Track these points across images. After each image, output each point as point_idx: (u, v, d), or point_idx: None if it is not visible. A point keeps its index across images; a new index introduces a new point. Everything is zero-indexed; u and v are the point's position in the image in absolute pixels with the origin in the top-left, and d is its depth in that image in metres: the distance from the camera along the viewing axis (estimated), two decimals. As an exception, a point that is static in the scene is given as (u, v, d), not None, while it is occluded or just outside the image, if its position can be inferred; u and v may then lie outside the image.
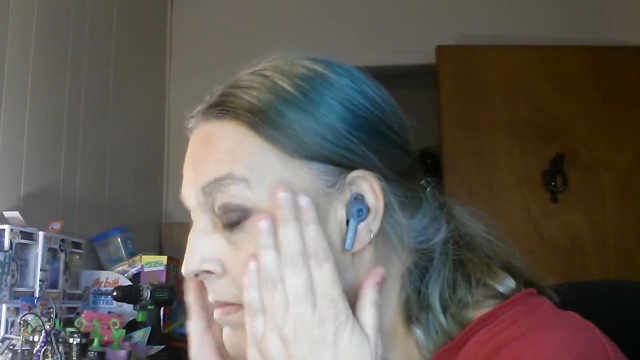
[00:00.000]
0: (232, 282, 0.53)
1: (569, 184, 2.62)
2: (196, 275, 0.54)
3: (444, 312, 0.55)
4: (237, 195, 0.52)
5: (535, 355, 0.47)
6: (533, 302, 0.55)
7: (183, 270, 0.55)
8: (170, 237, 2.77)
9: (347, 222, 0.54)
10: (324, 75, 0.56)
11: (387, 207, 0.55)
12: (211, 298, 0.55)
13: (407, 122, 0.61)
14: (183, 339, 1.91)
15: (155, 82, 2.94)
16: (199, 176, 0.54)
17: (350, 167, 0.54)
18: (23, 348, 1.37)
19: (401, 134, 0.58)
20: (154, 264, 1.97)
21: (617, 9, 2.88)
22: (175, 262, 2.06)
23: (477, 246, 0.59)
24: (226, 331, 0.56)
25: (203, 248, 0.54)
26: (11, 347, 1.38)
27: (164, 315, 1.88)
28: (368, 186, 0.54)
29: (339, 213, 0.54)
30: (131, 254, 2.16)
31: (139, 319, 1.77)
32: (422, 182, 0.62)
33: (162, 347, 1.68)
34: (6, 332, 1.46)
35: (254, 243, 0.51)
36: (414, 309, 0.56)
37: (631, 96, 2.68)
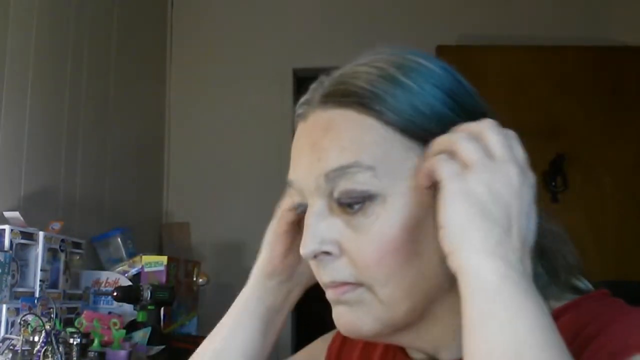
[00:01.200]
0: (349, 263, 0.56)
1: (569, 184, 2.62)
2: (315, 257, 0.57)
3: None
4: (364, 182, 0.54)
5: (624, 333, 0.49)
6: (611, 299, 0.59)
7: (301, 251, 0.57)
8: (170, 237, 2.77)
9: None
10: (426, 65, 0.61)
11: None
12: (327, 278, 0.57)
13: (490, 106, 0.66)
14: (183, 339, 1.92)
15: (155, 82, 2.94)
16: (322, 161, 0.56)
17: None
18: (23, 348, 1.37)
19: (486, 108, 0.65)
20: (154, 264, 1.97)
21: (617, 9, 2.88)
22: (175, 262, 2.06)
23: (553, 238, 0.63)
24: (340, 310, 0.58)
25: (322, 230, 0.56)
26: (11, 347, 1.38)
27: (164, 315, 1.88)
28: None
29: None
30: (131, 254, 2.16)
31: (139, 319, 1.77)
32: None
33: (162, 347, 1.69)
34: (6, 332, 1.46)
35: (378, 224, 0.54)
36: None
37: (631, 96, 2.68)
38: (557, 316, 0.53)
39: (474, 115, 0.58)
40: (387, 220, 0.54)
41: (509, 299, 0.46)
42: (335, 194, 0.55)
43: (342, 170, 0.55)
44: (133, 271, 2.01)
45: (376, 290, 0.55)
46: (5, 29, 1.76)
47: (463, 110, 0.59)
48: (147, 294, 1.76)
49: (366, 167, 0.54)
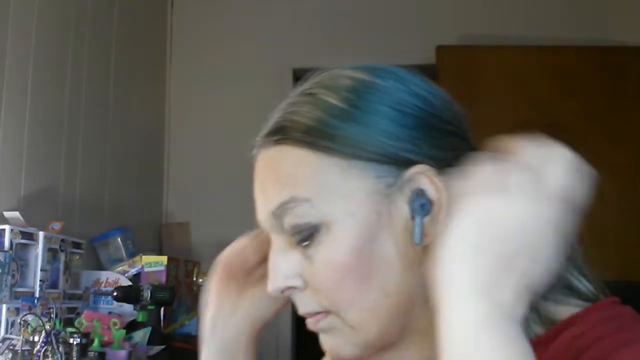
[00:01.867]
0: (314, 293, 0.57)
1: (569, 184, 2.62)
2: (282, 292, 0.58)
3: (530, 307, 0.53)
4: (303, 215, 0.55)
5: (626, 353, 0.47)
6: (618, 309, 0.56)
7: (269, 289, 0.58)
8: (170, 237, 2.77)
9: (413, 218, 0.55)
10: (368, 81, 0.58)
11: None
12: (301, 310, 0.59)
13: (460, 111, 0.64)
14: (183, 339, 1.92)
15: (155, 82, 2.94)
16: (268, 201, 0.58)
17: (407, 165, 0.56)
18: (23, 348, 1.37)
19: (455, 123, 0.61)
20: (154, 264, 1.97)
21: (617, 9, 2.88)
22: (175, 262, 2.06)
23: None
24: (322, 336, 0.59)
25: (283, 266, 0.57)
26: (11, 347, 1.38)
27: (164, 315, 1.88)
28: (427, 180, 0.55)
29: (403, 210, 0.56)
30: (131, 254, 2.16)
31: (139, 319, 1.77)
32: None
33: (162, 347, 1.69)
34: (6, 332, 1.46)
35: (326, 252, 0.55)
36: None
37: (631, 96, 2.68)
38: (560, 329, 0.53)
39: (428, 122, 0.58)
40: (334, 247, 0.55)
41: (487, 347, 0.45)
42: (286, 230, 0.56)
43: (282, 207, 0.56)
44: (133, 271, 2.01)
45: (343, 316, 0.56)
46: (5, 29, 1.76)
47: (414, 123, 0.57)
48: (147, 294, 1.76)
49: (302, 200, 0.55)
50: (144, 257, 2.01)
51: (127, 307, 1.83)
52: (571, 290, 0.58)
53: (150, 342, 1.67)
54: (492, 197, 0.50)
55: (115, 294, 1.72)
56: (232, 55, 3.00)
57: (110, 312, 1.81)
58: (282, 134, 0.57)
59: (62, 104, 2.06)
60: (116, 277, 1.95)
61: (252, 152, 0.62)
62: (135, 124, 2.66)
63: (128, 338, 1.61)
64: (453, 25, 2.91)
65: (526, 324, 0.53)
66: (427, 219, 0.55)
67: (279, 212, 0.56)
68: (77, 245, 1.86)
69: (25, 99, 1.85)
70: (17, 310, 1.50)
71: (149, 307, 1.77)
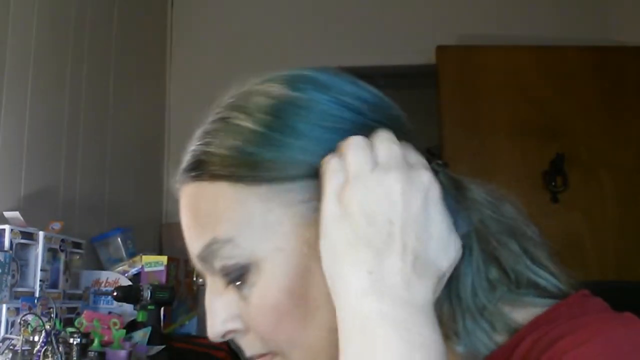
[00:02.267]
0: (255, 334, 0.53)
1: (569, 184, 2.62)
2: (223, 337, 0.54)
3: (482, 315, 0.51)
4: (228, 256, 0.51)
5: (591, 347, 0.44)
6: (588, 303, 0.53)
7: (208, 334, 0.54)
8: (170, 237, 2.77)
9: None
10: (285, 97, 0.53)
11: None
12: (247, 353, 0.55)
13: (396, 110, 0.57)
14: (183, 339, 1.92)
15: (155, 82, 2.94)
16: (192, 244, 0.54)
17: None
18: (23, 348, 1.37)
19: (389, 126, 0.54)
20: (154, 264, 1.96)
21: (617, 9, 2.88)
22: (175, 262, 2.06)
23: (506, 234, 0.55)
24: None
25: (220, 310, 0.53)
26: (11, 347, 1.38)
27: (164, 315, 1.88)
28: None
29: None
30: (131, 254, 2.16)
31: (139, 319, 1.76)
32: (432, 166, 0.56)
33: (162, 347, 1.68)
34: (6, 332, 1.46)
35: (258, 293, 0.51)
36: (449, 319, 0.51)
37: (631, 96, 2.68)
38: (524, 334, 0.49)
39: (357, 131, 0.51)
40: (266, 288, 0.50)
41: (370, 340, 0.42)
42: (216, 272, 0.52)
43: (206, 251, 0.52)
44: (133, 271, 2.01)
45: (288, 357, 0.52)
46: (5, 29, 1.76)
47: (341, 136, 0.51)
48: (147, 294, 1.76)
49: (224, 241, 0.51)
50: (144, 257, 2.01)
51: (127, 307, 1.83)
52: (536, 289, 0.54)
53: (150, 342, 1.66)
54: (358, 182, 0.46)
55: (115, 294, 1.72)
56: (232, 55, 3.00)
57: (110, 312, 1.81)
58: (197, 169, 0.53)
59: (62, 104, 2.06)
60: (116, 277, 1.95)
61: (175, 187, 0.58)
62: (135, 123, 2.65)
63: (128, 338, 1.61)
64: (453, 25, 2.91)
65: (485, 335, 0.50)
66: None
67: (205, 256, 0.52)
68: (77, 245, 1.86)
69: (25, 99, 1.85)
70: (17, 310, 1.50)
71: (149, 307, 1.77)
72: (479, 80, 2.72)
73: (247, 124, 0.52)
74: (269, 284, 0.50)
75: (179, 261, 2.13)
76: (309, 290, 0.50)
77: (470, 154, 2.66)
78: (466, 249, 0.52)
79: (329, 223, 0.47)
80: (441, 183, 0.54)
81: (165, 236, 2.79)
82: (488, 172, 2.64)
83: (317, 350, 0.51)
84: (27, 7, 1.86)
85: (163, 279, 1.94)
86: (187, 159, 0.56)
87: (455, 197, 0.54)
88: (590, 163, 2.64)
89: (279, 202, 0.50)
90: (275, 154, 0.50)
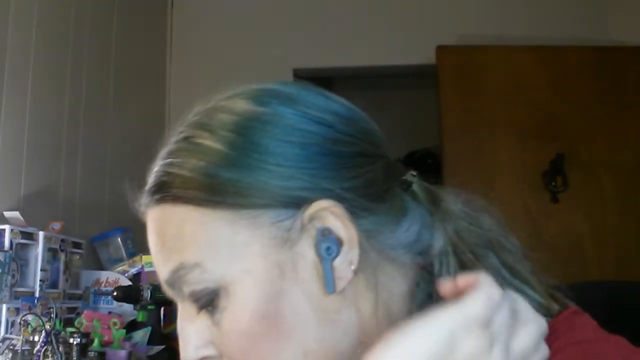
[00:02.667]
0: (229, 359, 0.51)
1: (569, 184, 2.62)
2: None
3: None
4: (196, 282, 0.49)
5: None
6: (577, 322, 0.51)
7: None
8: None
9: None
10: (250, 113, 0.51)
11: (362, 230, 0.50)
12: None
13: (369, 124, 0.55)
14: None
15: (155, 82, 2.94)
16: (160, 270, 0.52)
17: (306, 203, 0.49)
18: (23, 348, 1.37)
19: (362, 141, 0.53)
20: (154, 264, 1.96)
21: (617, 9, 2.88)
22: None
23: (484, 247, 0.53)
24: None
25: (192, 336, 0.52)
26: (11, 347, 1.38)
27: (164, 315, 1.88)
28: (331, 216, 0.49)
29: (308, 256, 0.49)
30: (131, 254, 2.16)
31: (139, 319, 1.77)
32: (405, 178, 0.56)
33: (162, 347, 1.68)
34: (6, 332, 1.46)
35: (229, 318, 0.49)
36: None
37: (631, 96, 2.68)
38: None
39: (325, 148, 0.50)
40: (237, 313, 0.48)
41: None
42: (186, 297, 0.51)
43: (174, 277, 0.50)
44: (133, 271, 2.01)
45: None
46: (5, 29, 1.76)
47: (307, 154, 0.50)
48: (147, 294, 1.75)
49: (192, 266, 0.49)
50: (144, 257, 2.01)
51: (127, 307, 1.83)
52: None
53: (150, 342, 1.66)
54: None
55: (115, 294, 1.72)
56: (232, 55, 3.00)
57: (110, 312, 1.81)
58: (161, 191, 0.52)
59: (62, 104, 2.06)
60: (116, 277, 1.95)
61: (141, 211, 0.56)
62: (135, 123, 2.65)
63: (128, 338, 1.61)
64: (453, 25, 2.91)
65: None
66: (337, 260, 0.49)
67: (172, 281, 0.51)
68: (77, 245, 1.86)
69: (25, 99, 1.85)
70: (17, 310, 1.50)
71: (149, 307, 1.77)
72: (479, 80, 2.72)
73: (211, 143, 0.50)
74: (240, 308, 0.48)
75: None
76: (281, 313, 0.48)
77: (470, 154, 2.66)
78: (442, 262, 0.51)
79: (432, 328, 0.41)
80: (415, 195, 0.54)
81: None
82: (488, 172, 2.64)
83: None
84: (27, 7, 1.86)
85: (163, 279, 1.94)
86: (150, 180, 0.54)
87: (429, 210, 0.54)
88: (590, 163, 2.64)
89: (246, 224, 0.49)
90: (240, 175, 0.49)
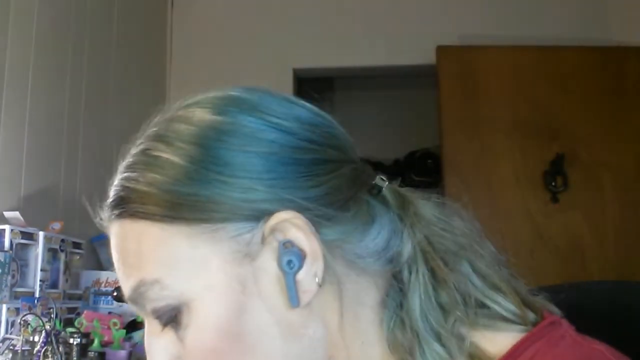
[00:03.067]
0: None
1: (569, 184, 2.62)
2: None
3: (436, 338, 0.48)
4: (156, 298, 0.48)
5: None
6: (555, 334, 0.50)
7: None
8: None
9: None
10: (207, 122, 0.50)
11: (326, 240, 0.49)
12: None
13: (334, 128, 0.54)
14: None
15: (155, 81, 2.94)
16: (123, 286, 0.52)
17: (266, 215, 0.48)
18: (23, 348, 1.37)
19: (326, 145, 0.52)
20: (154, 264, 1.96)
21: (617, 9, 2.88)
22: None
23: (455, 252, 0.52)
24: None
25: (159, 352, 0.50)
26: (11, 347, 1.38)
27: (164, 315, 1.88)
28: (293, 228, 0.48)
29: (271, 269, 0.48)
30: (131, 254, 2.16)
31: (139, 319, 1.76)
32: (375, 183, 0.54)
33: (162, 347, 1.68)
34: (6, 332, 1.46)
35: (191, 336, 0.48)
36: (403, 344, 0.49)
37: (631, 96, 2.68)
38: None
39: (286, 156, 0.49)
40: (198, 328, 0.48)
41: None
42: (149, 314, 0.50)
43: (135, 294, 0.49)
44: (133, 271, 2.01)
45: None
46: (5, 29, 1.76)
47: (268, 164, 0.49)
48: (147, 294, 1.75)
49: (151, 282, 0.48)
50: (144, 257, 2.01)
51: (127, 307, 1.83)
52: (489, 312, 0.51)
53: (150, 342, 1.66)
54: None
55: (115, 294, 1.72)
56: (232, 55, 3.00)
57: (110, 312, 1.81)
58: (119, 207, 0.50)
59: (62, 104, 2.06)
60: (116, 277, 1.95)
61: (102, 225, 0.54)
62: (135, 123, 2.65)
63: (128, 338, 1.61)
64: (453, 25, 2.91)
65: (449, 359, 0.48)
66: (301, 273, 0.47)
67: (134, 298, 0.50)
68: (77, 245, 1.86)
69: (25, 99, 1.85)
70: (17, 310, 1.50)
71: (149, 307, 1.77)
72: (479, 80, 2.72)
73: (168, 156, 0.49)
74: (202, 325, 0.48)
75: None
76: (244, 329, 0.47)
77: (470, 154, 2.66)
78: (412, 270, 0.50)
79: None
80: (385, 200, 0.53)
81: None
82: (488, 172, 2.64)
83: None
84: (27, 7, 1.86)
85: (163, 279, 1.94)
86: (110, 195, 0.53)
87: (399, 215, 0.53)
88: (590, 163, 2.64)
89: (205, 238, 0.47)
90: (197, 189, 0.47)
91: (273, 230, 0.48)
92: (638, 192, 2.62)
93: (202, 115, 0.51)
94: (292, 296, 0.47)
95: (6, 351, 1.38)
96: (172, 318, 0.48)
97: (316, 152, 0.50)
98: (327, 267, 0.49)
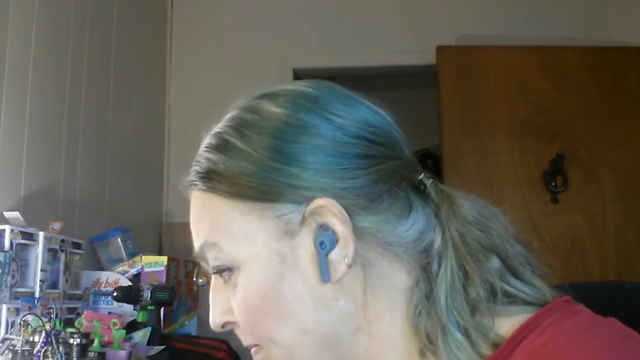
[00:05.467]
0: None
1: (569, 184, 2.62)
2: (222, 327, 0.60)
3: (459, 328, 0.52)
4: (215, 258, 0.57)
5: None
6: (571, 309, 0.53)
7: (210, 325, 0.60)
8: (170, 237, 2.77)
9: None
10: (272, 115, 0.57)
11: (359, 227, 0.55)
12: (243, 343, 0.60)
13: (388, 125, 0.61)
14: (183, 339, 1.92)
15: (155, 81, 2.94)
16: (194, 243, 0.60)
17: (308, 199, 0.54)
18: (23, 348, 1.37)
19: (373, 142, 0.57)
20: (154, 264, 1.96)
21: (617, 9, 2.88)
22: (175, 262, 2.06)
23: (489, 251, 0.56)
24: None
25: (218, 303, 0.59)
26: (11, 347, 1.38)
27: (164, 315, 1.88)
28: (329, 214, 0.54)
29: (308, 247, 0.55)
30: (131, 254, 2.16)
31: (139, 319, 1.76)
32: (421, 179, 0.59)
33: (162, 347, 1.68)
34: (6, 332, 1.46)
35: (240, 293, 0.56)
36: (426, 331, 0.53)
37: (631, 96, 2.68)
38: (515, 342, 0.50)
39: (333, 149, 0.55)
40: (245, 288, 0.56)
41: None
42: (212, 269, 0.59)
43: (200, 252, 0.59)
44: (133, 271, 2.01)
45: (270, 350, 0.57)
46: (5, 29, 1.76)
47: (314, 155, 0.55)
48: (147, 294, 1.75)
49: (211, 245, 0.57)
50: (144, 257, 2.01)
51: (127, 307, 1.83)
52: (518, 302, 0.55)
53: (150, 342, 1.66)
54: None
55: (115, 294, 1.72)
56: (232, 55, 3.00)
57: (110, 312, 1.81)
58: (195, 180, 0.59)
59: (62, 104, 2.06)
60: (116, 277, 1.95)
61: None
62: (135, 123, 2.65)
63: (128, 338, 1.61)
64: (453, 25, 2.91)
65: (464, 353, 0.51)
66: (333, 253, 0.54)
67: (200, 255, 0.59)
68: (77, 245, 1.86)
69: (25, 99, 1.85)
70: (17, 310, 1.50)
71: (149, 307, 1.77)
72: (479, 80, 2.72)
73: (235, 141, 0.57)
74: (247, 286, 0.56)
75: (179, 261, 2.13)
76: (281, 295, 0.55)
77: (470, 154, 2.66)
78: (442, 263, 0.54)
79: None
80: (428, 196, 0.57)
81: (165, 236, 2.79)
82: (488, 172, 2.64)
83: (294, 349, 0.55)
84: (27, 7, 1.86)
85: (163, 279, 1.94)
86: (191, 166, 0.61)
87: (436, 211, 0.57)
88: (590, 163, 2.64)
89: (255, 215, 0.55)
90: (253, 173, 0.55)
91: (312, 214, 0.54)
92: (638, 192, 2.62)
93: (268, 107, 0.58)
94: (324, 272, 0.53)
95: (6, 351, 1.38)
96: (228, 276, 0.57)
97: (360, 147, 0.56)
98: (358, 251, 0.54)
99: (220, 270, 0.58)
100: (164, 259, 1.98)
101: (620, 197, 2.62)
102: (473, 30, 2.90)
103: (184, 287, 2.13)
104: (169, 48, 3.04)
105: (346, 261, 0.54)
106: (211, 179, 0.57)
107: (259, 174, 0.55)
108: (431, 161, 3.59)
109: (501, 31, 2.87)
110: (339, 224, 0.54)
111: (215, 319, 0.59)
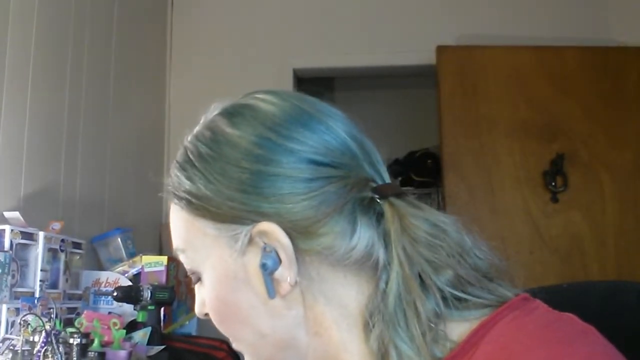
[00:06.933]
0: None
1: (569, 184, 2.62)
2: (205, 316, 0.65)
3: (407, 342, 0.53)
4: (185, 262, 0.64)
5: None
6: (529, 306, 0.54)
7: (196, 312, 0.67)
8: (170, 237, 2.77)
9: None
10: (220, 132, 0.61)
11: (302, 249, 0.57)
12: None
13: (341, 143, 0.60)
14: (183, 339, 1.92)
15: (155, 81, 2.94)
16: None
17: (255, 222, 0.57)
18: (23, 348, 1.37)
19: (322, 162, 0.58)
20: (154, 264, 1.96)
21: (617, 9, 2.88)
22: (175, 262, 2.06)
23: (435, 267, 0.56)
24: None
25: (199, 296, 0.65)
26: (11, 347, 1.38)
27: (164, 315, 1.88)
28: (272, 236, 0.57)
29: (255, 264, 0.58)
30: (131, 254, 2.16)
31: (139, 319, 1.77)
32: (371, 196, 0.59)
33: (162, 347, 1.68)
34: (6, 332, 1.46)
35: (206, 295, 0.62)
36: (378, 341, 0.54)
37: (631, 96, 2.68)
38: (473, 342, 0.51)
39: (270, 172, 0.57)
40: (208, 292, 0.62)
41: None
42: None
43: (175, 253, 0.66)
44: (133, 271, 2.01)
45: (237, 347, 0.63)
46: (5, 29, 1.76)
47: (256, 178, 0.58)
48: (147, 294, 1.76)
49: (181, 250, 0.64)
50: (144, 257, 2.01)
51: (127, 307, 1.83)
52: (469, 303, 0.55)
53: (150, 342, 1.66)
54: None
55: (115, 294, 1.72)
56: (232, 56, 3.00)
57: (110, 312, 1.81)
58: (170, 193, 0.65)
59: (62, 104, 2.06)
60: (116, 277, 1.95)
61: None
62: (135, 123, 2.65)
63: (128, 338, 1.61)
64: (453, 25, 2.91)
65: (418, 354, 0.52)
66: (277, 273, 0.57)
67: (176, 256, 0.66)
68: (77, 245, 1.86)
69: (25, 99, 1.85)
70: (17, 310, 1.50)
71: (149, 307, 1.77)
72: (479, 80, 2.72)
73: (192, 156, 0.62)
74: (209, 291, 0.62)
75: (179, 261, 2.12)
76: (237, 304, 0.60)
77: (470, 154, 2.66)
78: (390, 278, 0.55)
79: None
80: (376, 212, 0.58)
81: (165, 236, 2.79)
82: (488, 172, 2.64)
83: (254, 347, 0.61)
84: (27, 7, 1.86)
85: (163, 279, 1.94)
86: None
87: (385, 227, 0.57)
88: (590, 163, 2.64)
89: (212, 232, 0.60)
90: (208, 196, 0.59)
91: (258, 235, 0.58)
92: (638, 192, 2.62)
93: (225, 129, 0.62)
94: (270, 289, 0.57)
95: (6, 351, 1.38)
96: (197, 278, 0.64)
97: (307, 172, 0.58)
98: (305, 269, 0.58)
99: (190, 272, 0.64)
100: (164, 259, 1.98)
101: (620, 197, 2.62)
102: (473, 30, 2.90)
103: (184, 287, 2.14)
104: (169, 48, 3.04)
105: (289, 280, 0.57)
106: (177, 195, 0.62)
107: (212, 198, 0.59)
108: (431, 161, 3.59)
109: (501, 31, 2.87)
110: (281, 247, 0.57)
111: (198, 309, 0.66)
